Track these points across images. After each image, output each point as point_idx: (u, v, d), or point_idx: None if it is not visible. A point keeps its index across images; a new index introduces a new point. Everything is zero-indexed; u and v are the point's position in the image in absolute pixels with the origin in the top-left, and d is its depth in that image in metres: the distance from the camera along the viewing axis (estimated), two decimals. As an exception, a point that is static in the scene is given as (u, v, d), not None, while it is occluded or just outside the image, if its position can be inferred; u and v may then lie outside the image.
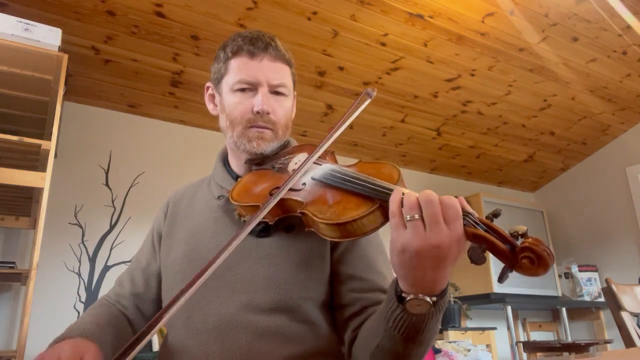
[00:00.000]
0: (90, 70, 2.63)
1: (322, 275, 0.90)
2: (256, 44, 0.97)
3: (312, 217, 0.77)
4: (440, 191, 0.64)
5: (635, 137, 4.16)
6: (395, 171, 0.79)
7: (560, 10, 2.81)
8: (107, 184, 2.80)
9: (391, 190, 0.71)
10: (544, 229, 4.22)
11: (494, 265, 3.67)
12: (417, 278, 0.66)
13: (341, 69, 2.93)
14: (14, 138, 1.84)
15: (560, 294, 4.01)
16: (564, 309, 3.78)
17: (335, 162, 0.91)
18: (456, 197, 0.67)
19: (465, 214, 0.65)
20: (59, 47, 1.98)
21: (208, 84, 1.07)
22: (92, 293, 2.58)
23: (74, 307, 2.52)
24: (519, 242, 0.61)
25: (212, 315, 0.87)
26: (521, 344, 3.50)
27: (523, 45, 3.01)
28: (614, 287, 1.43)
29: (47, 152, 1.88)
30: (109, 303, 1.04)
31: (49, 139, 1.91)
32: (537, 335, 4.19)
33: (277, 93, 0.98)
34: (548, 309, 4.33)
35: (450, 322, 3.33)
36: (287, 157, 0.98)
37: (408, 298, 0.68)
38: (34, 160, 2.08)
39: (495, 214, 0.65)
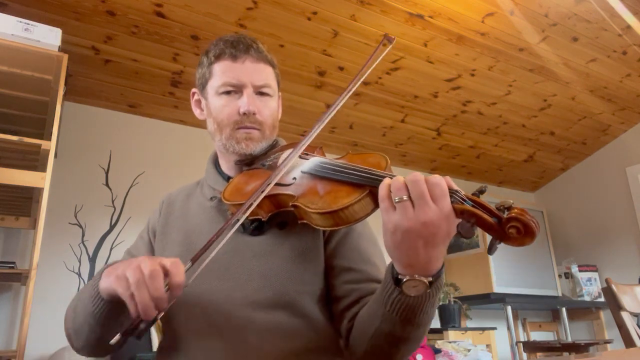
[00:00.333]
0: (90, 70, 2.63)
1: (317, 269, 0.92)
2: (238, 47, 0.98)
3: (304, 208, 0.79)
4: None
5: (635, 137, 4.16)
6: (383, 159, 0.82)
7: (560, 10, 2.80)
8: (107, 184, 2.80)
9: (379, 176, 0.73)
10: (544, 229, 4.22)
11: (494, 265, 3.67)
12: (411, 258, 0.68)
13: (341, 69, 2.93)
14: (14, 138, 1.84)
15: (560, 294, 4.01)
16: (564, 309, 3.78)
17: (324, 156, 0.93)
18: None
19: (452, 191, 0.67)
20: (59, 47, 1.98)
21: (194, 90, 1.09)
22: (92, 293, 2.58)
23: (74, 307, 2.52)
24: (505, 215, 0.63)
25: (210, 314, 0.88)
26: (521, 344, 3.50)
27: (523, 45, 3.01)
28: (614, 287, 1.43)
29: (47, 152, 1.88)
30: None
31: (49, 139, 1.91)
32: (537, 335, 4.19)
33: (262, 94, 1.00)
34: (548, 309, 4.33)
35: (450, 322, 3.33)
36: (277, 154, 1.00)
37: (404, 279, 0.70)
38: (34, 160, 2.08)
39: (481, 191, 0.67)
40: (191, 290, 0.88)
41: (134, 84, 2.77)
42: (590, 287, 4.05)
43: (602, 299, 3.94)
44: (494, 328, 3.45)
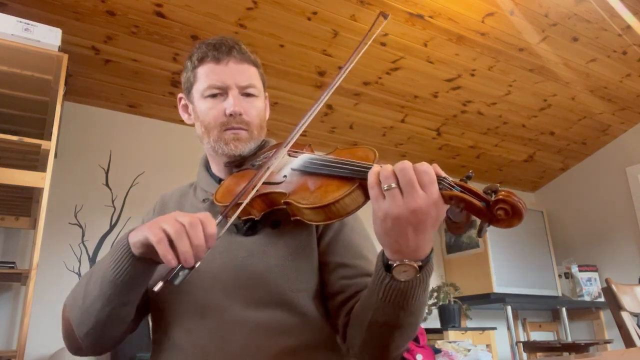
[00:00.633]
0: (90, 70, 2.63)
1: (311, 266, 0.92)
2: (220, 49, 0.99)
3: (296, 204, 0.80)
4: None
5: (635, 137, 4.16)
6: (371, 152, 0.83)
7: (560, 10, 2.80)
8: (107, 184, 2.80)
9: (368, 167, 0.74)
10: (544, 229, 4.22)
11: (494, 265, 3.67)
12: (400, 244, 0.69)
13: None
14: (14, 138, 1.84)
15: (560, 294, 4.01)
16: (564, 309, 3.78)
17: (313, 153, 0.94)
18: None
19: (440, 178, 0.68)
20: (59, 47, 1.98)
21: (180, 95, 1.10)
22: (92, 293, 2.58)
23: (74, 307, 2.52)
24: (492, 198, 0.65)
25: (207, 314, 0.88)
26: (521, 344, 3.50)
27: (523, 45, 3.01)
28: (614, 287, 1.43)
29: (47, 152, 1.88)
30: None
31: (49, 139, 1.91)
32: (537, 335, 4.19)
33: (248, 94, 1.01)
34: (548, 309, 4.33)
35: (450, 322, 3.33)
36: (267, 154, 1.00)
37: (395, 265, 0.71)
38: (34, 160, 2.08)
39: (468, 176, 0.68)
40: (186, 289, 0.88)
41: (134, 84, 2.77)
42: (590, 287, 4.05)
43: (602, 299, 3.94)
44: (494, 328, 3.45)
